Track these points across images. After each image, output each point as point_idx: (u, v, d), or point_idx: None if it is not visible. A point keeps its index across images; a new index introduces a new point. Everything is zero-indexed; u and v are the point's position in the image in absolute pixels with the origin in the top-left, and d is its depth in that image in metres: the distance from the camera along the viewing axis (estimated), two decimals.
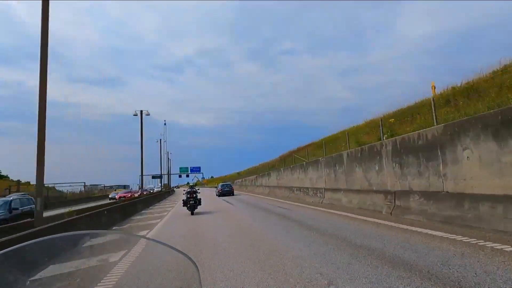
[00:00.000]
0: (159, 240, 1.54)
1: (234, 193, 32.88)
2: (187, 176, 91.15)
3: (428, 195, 8.33)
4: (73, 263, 2.19)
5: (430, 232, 6.44)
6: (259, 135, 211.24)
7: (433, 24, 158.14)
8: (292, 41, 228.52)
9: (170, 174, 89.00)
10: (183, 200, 15.31)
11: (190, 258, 1.35)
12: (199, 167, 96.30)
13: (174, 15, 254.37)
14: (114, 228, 12.16)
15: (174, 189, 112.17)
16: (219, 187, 33.10)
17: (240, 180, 54.39)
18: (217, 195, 31.98)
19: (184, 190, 18.39)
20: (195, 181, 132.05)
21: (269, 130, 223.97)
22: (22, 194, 17.60)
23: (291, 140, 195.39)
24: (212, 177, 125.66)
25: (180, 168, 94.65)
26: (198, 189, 16.06)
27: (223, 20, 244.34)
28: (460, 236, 5.85)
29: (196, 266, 1.35)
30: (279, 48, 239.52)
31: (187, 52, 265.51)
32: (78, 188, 58.33)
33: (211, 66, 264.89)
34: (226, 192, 31.47)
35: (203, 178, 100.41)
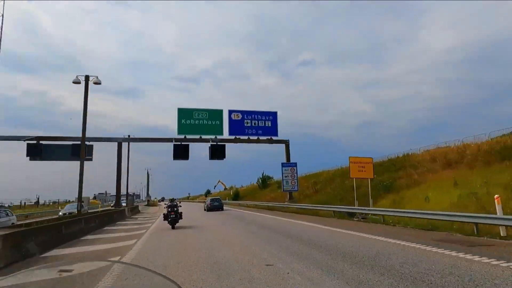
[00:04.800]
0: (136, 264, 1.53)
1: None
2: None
3: None
4: None
5: None
6: (274, 149, 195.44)
7: (458, 36, 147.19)
8: (311, 53, 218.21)
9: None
10: (163, 214, 15.42)
11: (174, 282, 1.27)
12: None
13: (192, 27, 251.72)
14: None
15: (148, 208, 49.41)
16: (208, 202, 33.18)
17: None
18: (205, 209, 32.36)
19: (165, 204, 17.87)
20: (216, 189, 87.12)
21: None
22: None
23: (306, 156, 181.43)
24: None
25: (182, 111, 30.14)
26: (180, 203, 15.82)
27: (242, 31, 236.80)
28: None
29: None
30: (298, 60, 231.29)
31: (205, 64, 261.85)
32: None
33: (229, 77, 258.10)
34: (215, 207, 31.46)
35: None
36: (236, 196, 54.76)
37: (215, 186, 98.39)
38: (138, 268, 1.38)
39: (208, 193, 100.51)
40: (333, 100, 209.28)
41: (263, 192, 47.38)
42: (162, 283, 1.25)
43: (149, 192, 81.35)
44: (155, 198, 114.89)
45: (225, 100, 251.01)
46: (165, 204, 18.38)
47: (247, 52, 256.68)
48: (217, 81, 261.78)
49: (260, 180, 51.27)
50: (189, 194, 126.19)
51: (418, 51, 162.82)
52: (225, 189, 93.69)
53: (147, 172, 74.59)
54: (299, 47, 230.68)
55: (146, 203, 69.46)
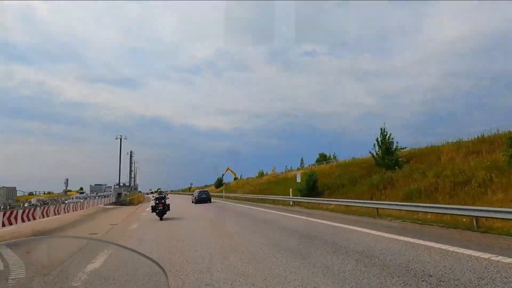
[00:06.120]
0: (127, 246, 1.44)
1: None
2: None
3: None
4: (33, 269, 1.81)
5: None
6: (276, 140, 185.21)
7: (464, 26, 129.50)
8: (313, 42, 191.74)
9: None
10: (151, 206, 15.78)
11: (158, 265, 1.29)
12: None
13: (193, 15, 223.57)
14: None
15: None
16: (196, 194, 33.39)
17: None
18: (193, 202, 32.68)
19: (153, 197, 17.77)
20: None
21: (286, 136, 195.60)
22: None
23: (308, 147, 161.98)
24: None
25: None
26: (167, 196, 16.30)
27: (243, 21, 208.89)
28: None
29: (165, 273, 1.28)
30: (299, 50, 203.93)
31: (206, 54, 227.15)
32: None
33: (230, 68, 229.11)
34: (203, 199, 31.80)
35: None
36: (313, 186, 25.58)
37: (223, 175, 74.69)
38: (128, 250, 1.35)
39: (219, 183, 71.68)
40: (335, 90, 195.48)
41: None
42: (150, 267, 1.26)
43: (140, 183, 55.96)
44: (150, 189, 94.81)
45: (226, 92, 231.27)
46: (153, 196, 18.15)
47: (249, 41, 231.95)
48: (219, 72, 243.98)
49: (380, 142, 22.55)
50: (191, 184, 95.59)
51: (422, 41, 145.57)
52: (235, 178, 73.95)
53: (126, 148, 45.57)
54: (302, 36, 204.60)
55: (116, 198, 41.80)
